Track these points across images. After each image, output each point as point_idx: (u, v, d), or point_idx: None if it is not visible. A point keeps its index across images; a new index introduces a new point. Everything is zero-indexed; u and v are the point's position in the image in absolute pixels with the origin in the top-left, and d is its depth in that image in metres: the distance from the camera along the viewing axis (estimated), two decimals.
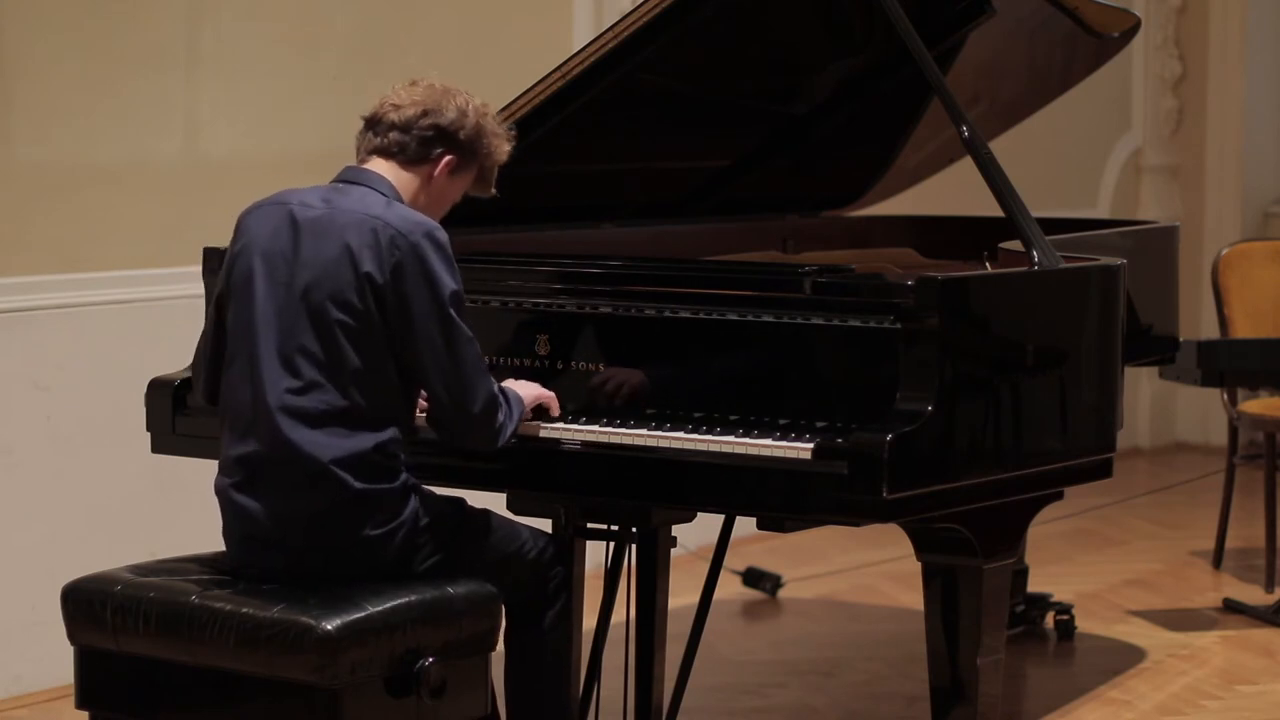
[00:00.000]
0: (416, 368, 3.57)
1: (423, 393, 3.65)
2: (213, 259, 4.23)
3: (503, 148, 3.79)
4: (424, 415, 3.70)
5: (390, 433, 3.58)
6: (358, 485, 3.52)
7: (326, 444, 3.51)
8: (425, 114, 3.68)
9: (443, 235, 3.60)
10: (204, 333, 3.77)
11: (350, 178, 3.70)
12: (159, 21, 5.37)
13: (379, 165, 3.71)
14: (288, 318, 3.55)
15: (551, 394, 3.86)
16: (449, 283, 3.57)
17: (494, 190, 3.85)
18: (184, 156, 5.46)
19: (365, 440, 3.54)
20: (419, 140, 3.69)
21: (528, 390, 3.80)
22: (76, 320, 5.21)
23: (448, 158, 3.71)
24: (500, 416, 3.63)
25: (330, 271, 3.54)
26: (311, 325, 3.54)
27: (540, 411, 3.84)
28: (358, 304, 3.53)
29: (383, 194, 3.64)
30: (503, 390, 3.70)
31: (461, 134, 3.71)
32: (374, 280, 3.52)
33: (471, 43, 6.09)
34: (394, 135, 3.69)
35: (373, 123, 3.73)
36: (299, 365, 3.54)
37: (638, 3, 4.25)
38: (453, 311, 3.56)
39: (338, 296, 3.53)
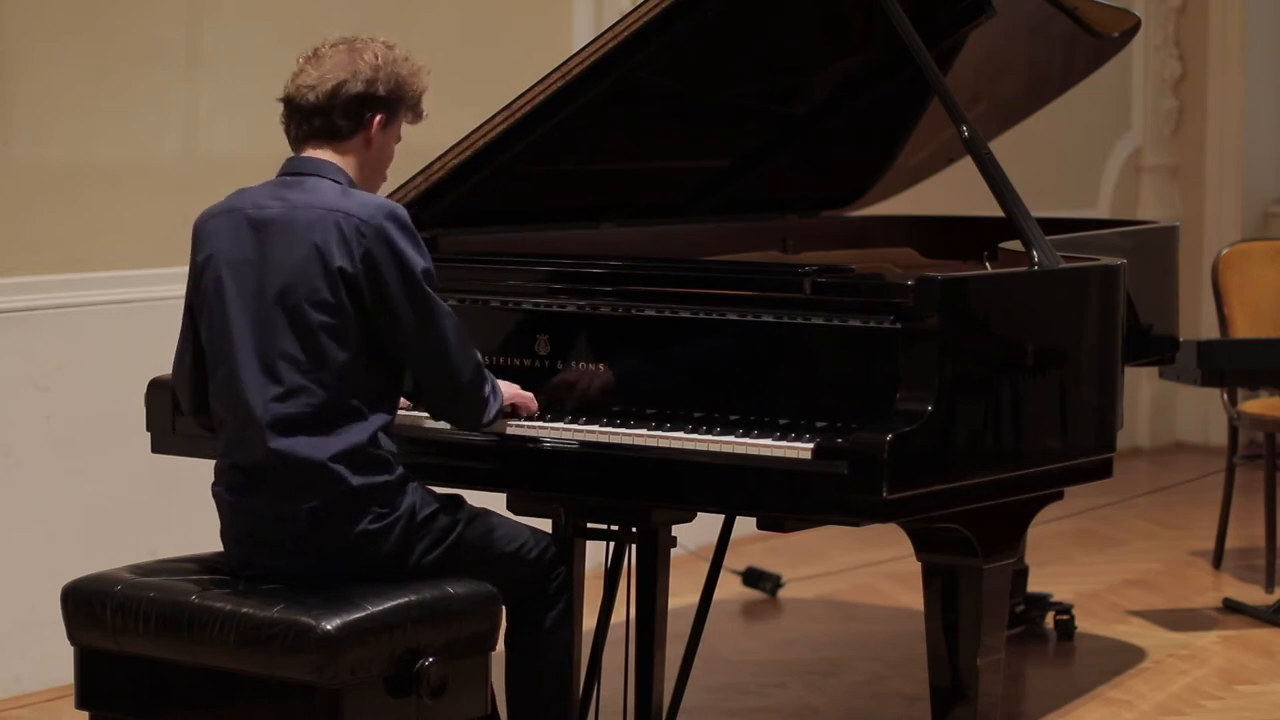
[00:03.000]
0: (401, 350, 3.57)
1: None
2: None
3: (422, 80, 3.75)
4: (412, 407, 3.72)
5: (379, 422, 3.57)
6: (355, 480, 3.52)
7: (319, 444, 3.51)
8: (341, 85, 3.64)
9: (404, 214, 3.59)
10: (179, 346, 3.75)
11: (296, 169, 3.67)
12: (159, 21, 5.37)
13: (317, 150, 3.68)
14: (264, 324, 3.55)
15: (530, 395, 3.86)
16: (419, 261, 3.56)
17: (425, 114, 3.80)
18: (184, 156, 5.46)
19: (357, 434, 3.54)
20: (343, 114, 3.65)
21: (506, 388, 3.81)
22: (76, 320, 5.21)
23: (377, 117, 3.68)
24: (487, 389, 3.65)
25: (301, 272, 3.53)
26: (291, 329, 3.53)
27: (514, 412, 3.85)
28: (333, 300, 3.52)
29: (334, 180, 3.62)
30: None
31: (381, 89, 3.67)
32: (346, 273, 3.52)
33: (471, 42, 6.09)
34: (318, 121, 3.66)
35: (292, 108, 3.69)
36: (280, 370, 3.53)
37: (638, 3, 4.25)
38: (427, 288, 3.56)
39: (313, 297, 3.52)
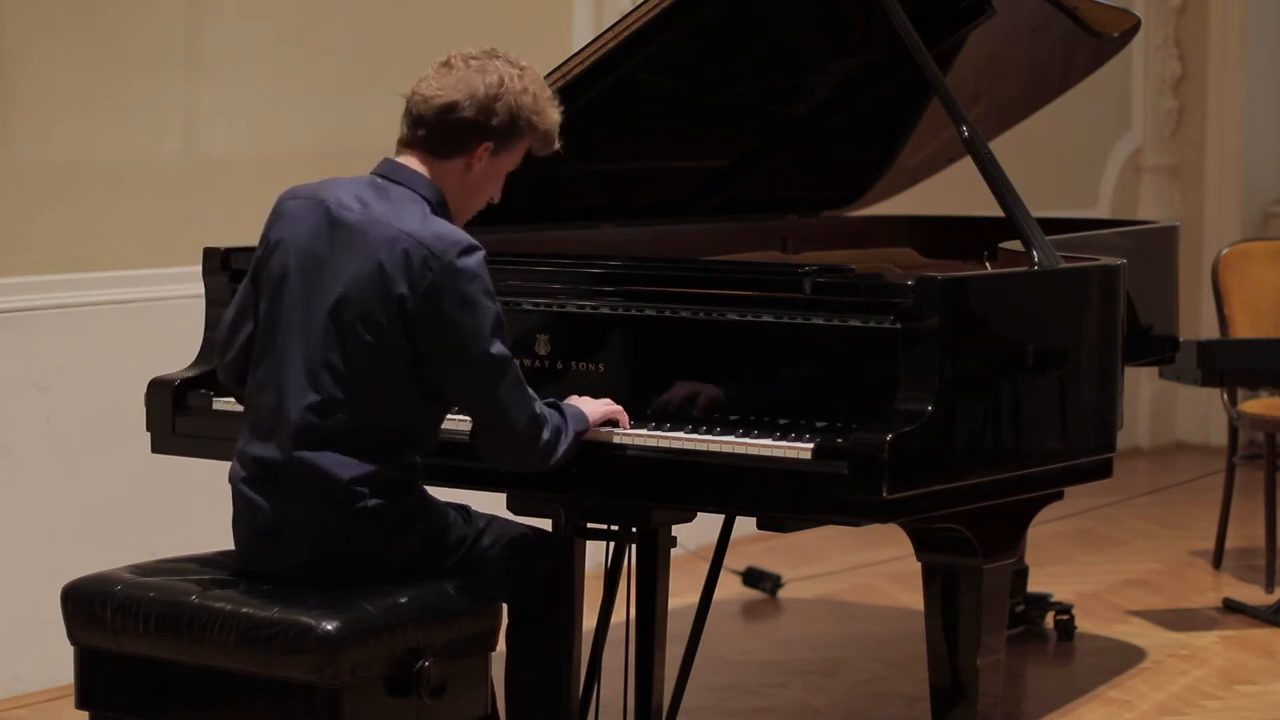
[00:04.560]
0: (451, 390, 3.53)
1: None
2: (212, 259, 4.23)
3: (550, 115, 3.63)
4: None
5: (409, 451, 3.55)
6: (372, 501, 3.50)
7: (344, 462, 3.47)
8: (451, 107, 3.55)
9: (479, 255, 3.49)
10: (234, 312, 3.66)
11: (388, 173, 3.59)
12: (159, 21, 5.37)
13: (414, 161, 3.60)
14: (316, 329, 3.49)
15: (619, 408, 3.76)
16: (485, 303, 3.48)
17: (558, 146, 3.69)
18: (184, 156, 5.46)
19: (385, 459, 3.50)
20: (448, 134, 3.57)
21: (594, 407, 3.72)
22: (76, 320, 5.21)
23: (485, 145, 3.59)
24: (545, 435, 3.55)
25: (362, 289, 3.46)
26: (339, 341, 3.48)
27: (609, 423, 3.75)
28: (386, 325, 3.46)
29: (423, 197, 3.54)
30: (557, 406, 3.64)
31: (494, 120, 3.57)
32: (406, 303, 3.44)
33: (471, 42, 6.08)
34: (421, 132, 3.58)
35: (407, 109, 3.60)
36: (323, 380, 3.48)
37: (638, 3, 4.25)
38: (489, 333, 3.48)
39: (367, 317, 3.46)
